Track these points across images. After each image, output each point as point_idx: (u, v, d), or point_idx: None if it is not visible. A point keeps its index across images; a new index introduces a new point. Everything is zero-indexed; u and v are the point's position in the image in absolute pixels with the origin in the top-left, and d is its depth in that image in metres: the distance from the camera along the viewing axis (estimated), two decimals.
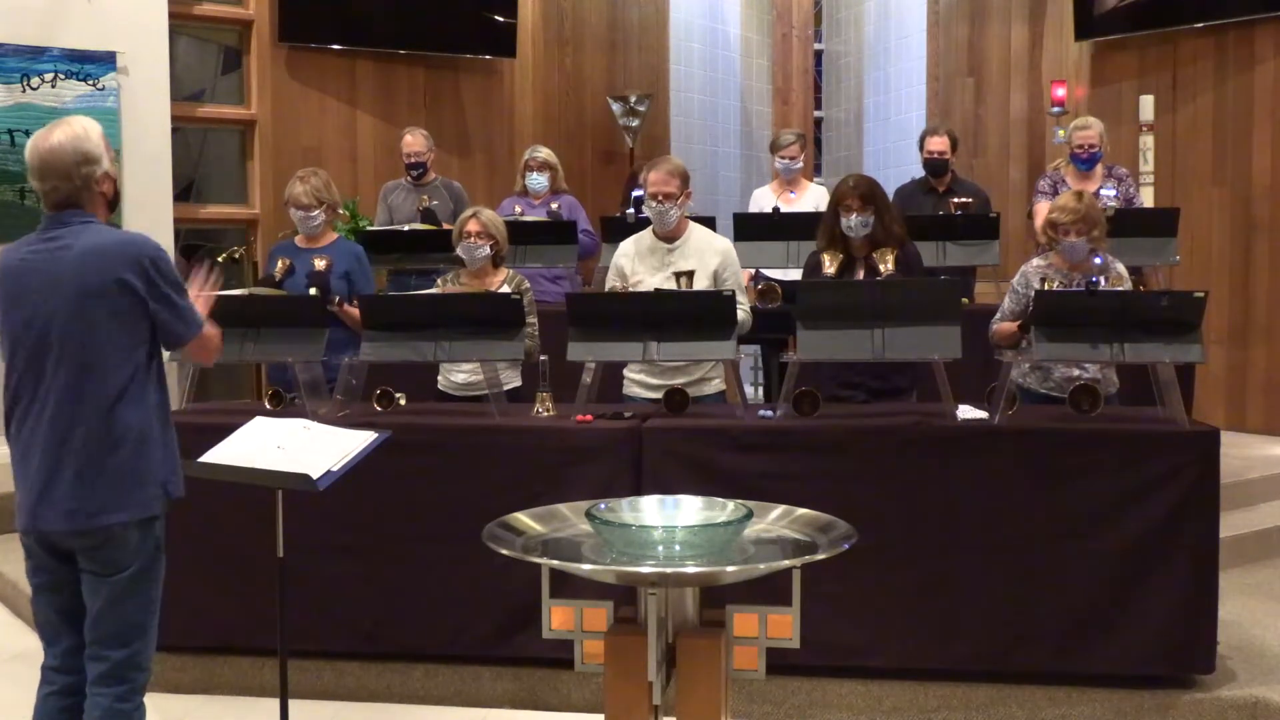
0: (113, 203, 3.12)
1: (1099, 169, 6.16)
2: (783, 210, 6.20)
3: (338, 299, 4.95)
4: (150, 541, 3.01)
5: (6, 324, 3.02)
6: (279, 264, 5.05)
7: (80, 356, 2.91)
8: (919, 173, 6.87)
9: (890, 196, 6.19)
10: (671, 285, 4.54)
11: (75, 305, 2.90)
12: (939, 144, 6.63)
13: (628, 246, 4.87)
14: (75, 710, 3.02)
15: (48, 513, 2.94)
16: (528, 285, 4.93)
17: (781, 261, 5.90)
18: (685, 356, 4.43)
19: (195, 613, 4.21)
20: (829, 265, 4.48)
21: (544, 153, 6.71)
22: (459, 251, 4.94)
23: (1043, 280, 4.47)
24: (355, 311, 4.86)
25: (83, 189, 2.99)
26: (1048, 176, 6.35)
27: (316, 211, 5.12)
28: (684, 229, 4.78)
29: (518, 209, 6.50)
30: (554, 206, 6.53)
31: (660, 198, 4.67)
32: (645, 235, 4.86)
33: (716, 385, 4.74)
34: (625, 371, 4.83)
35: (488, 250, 4.89)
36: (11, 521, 5.89)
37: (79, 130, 3.01)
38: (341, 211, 5.55)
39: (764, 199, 6.74)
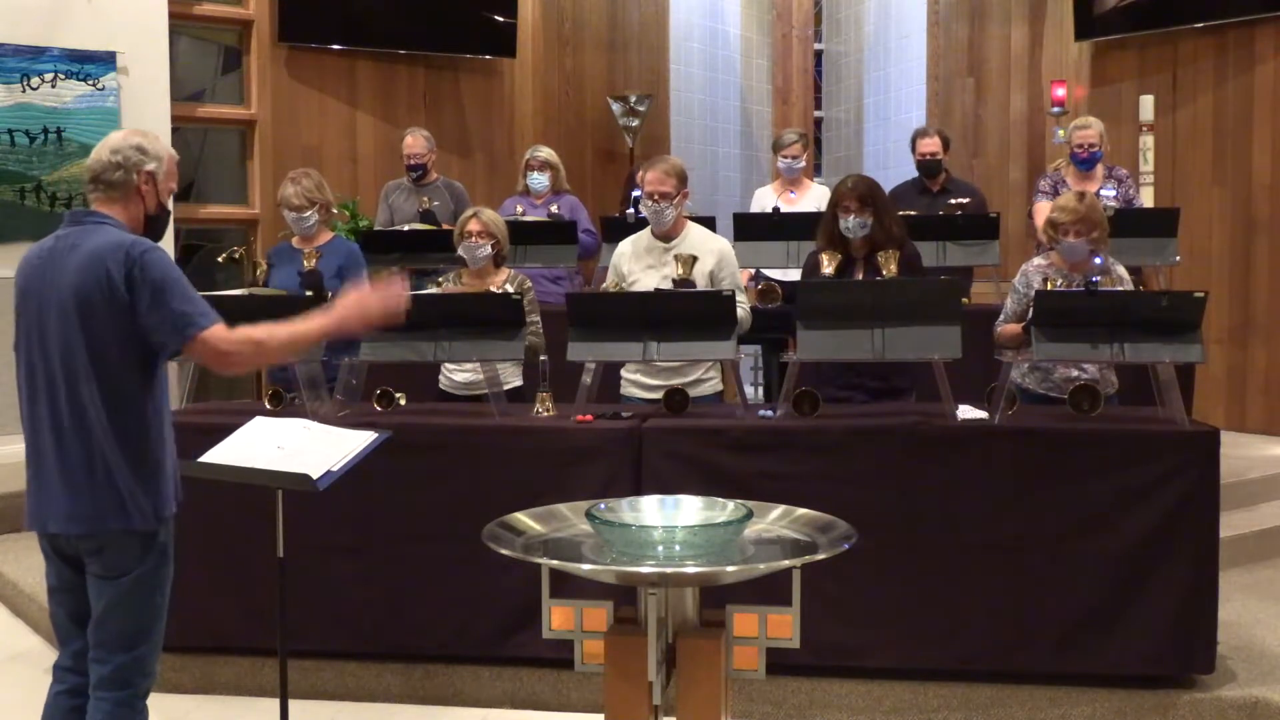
0: (154, 218, 3.07)
1: (1099, 169, 6.16)
2: (784, 210, 6.20)
3: (331, 297, 4.89)
4: (155, 547, 2.97)
5: (19, 326, 3.02)
6: (258, 269, 5.03)
7: (74, 363, 2.88)
8: (916, 174, 6.88)
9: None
10: (668, 285, 4.55)
11: (69, 311, 2.88)
12: (930, 145, 6.65)
13: (625, 246, 4.88)
14: (84, 710, 3.00)
15: (50, 516, 2.93)
16: (529, 284, 4.93)
17: (781, 261, 5.91)
18: (685, 357, 4.43)
19: (195, 613, 4.21)
20: (827, 265, 4.49)
21: (545, 152, 6.70)
22: (460, 251, 4.93)
23: (1044, 280, 4.47)
24: None
25: (122, 167, 2.98)
26: (1048, 177, 6.35)
27: (309, 212, 5.11)
28: (682, 228, 4.78)
29: (519, 209, 6.50)
30: (554, 209, 6.53)
31: (656, 197, 4.67)
32: (643, 235, 4.87)
33: (712, 386, 4.74)
34: (622, 372, 4.84)
35: (489, 250, 4.89)
36: (11, 521, 5.94)
37: (149, 134, 3.11)
38: (337, 211, 5.52)
39: (765, 198, 6.74)
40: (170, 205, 3.14)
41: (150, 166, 3.03)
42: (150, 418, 2.96)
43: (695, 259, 4.55)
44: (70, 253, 2.91)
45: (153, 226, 3.09)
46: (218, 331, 2.91)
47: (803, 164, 6.71)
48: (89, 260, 2.88)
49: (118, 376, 2.90)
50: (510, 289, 4.83)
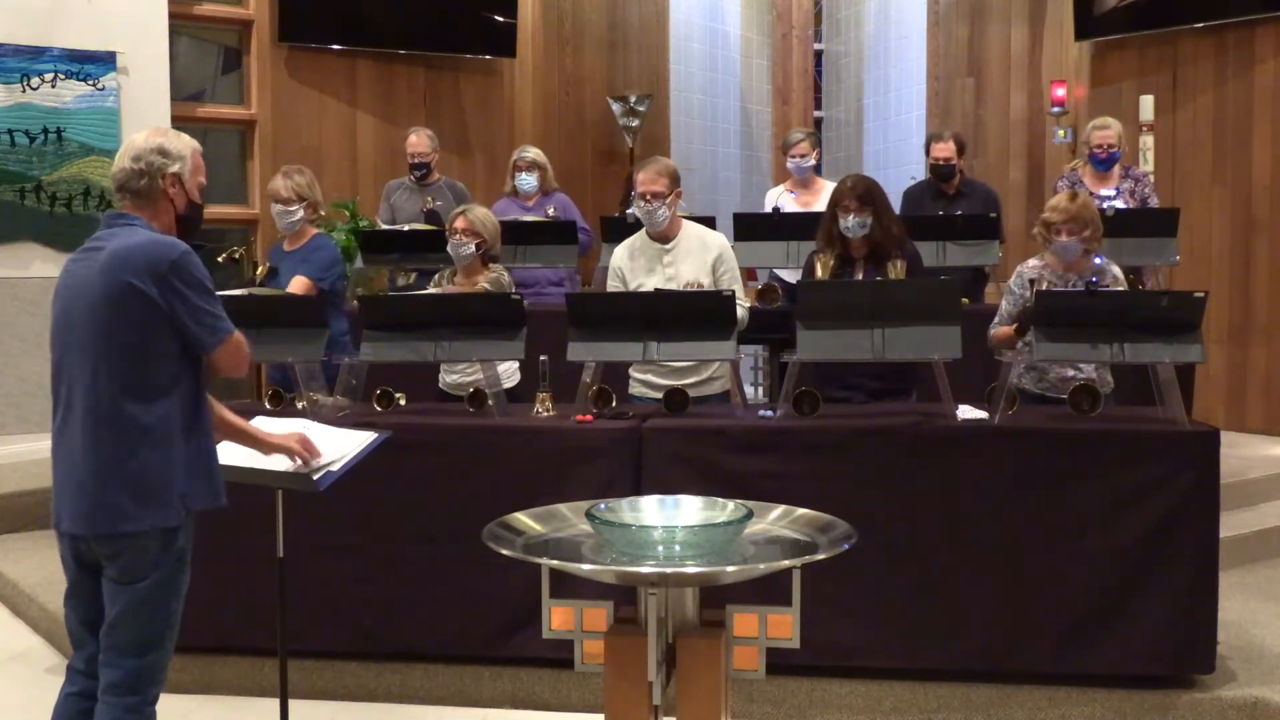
0: (185, 219, 3.07)
1: (1116, 169, 6.17)
2: (794, 209, 6.19)
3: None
4: (171, 553, 2.95)
5: (51, 328, 3.04)
6: (259, 269, 5.06)
7: (98, 362, 2.88)
8: (919, 173, 6.85)
9: (899, 199, 6.18)
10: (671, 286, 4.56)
11: (95, 310, 2.88)
12: (944, 150, 6.60)
13: (622, 251, 4.86)
14: (93, 713, 3.00)
15: (70, 515, 2.93)
16: (508, 280, 4.90)
17: (781, 261, 5.90)
18: (685, 357, 4.43)
19: (195, 613, 4.16)
20: (820, 273, 4.52)
21: (532, 153, 6.69)
22: (449, 249, 4.93)
23: (1033, 282, 4.47)
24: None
25: (145, 174, 2.98)
26: (1065, 177, 6.34)
27: (295, 207, 5.11)
28: (677, 228, 4.76)
29: (511, 213, 6.47)
30: (550, 211, 6.51)
31: (649, 197, 4.66)
32: (639, 236, 4.85)
33: (722, 384, 4.72)
34: (631, 371, 4.82)
35: (473, 249, 4.86)
36: (12, 522, 5.94)
37: (169, 132, 3.10)
38: (324, 212, 5.52)
39: (777, 198, 6.68)
40: (201, 200, 3.12)
41: (174, 168, 3.02)
42: (174, 420, 2.93)
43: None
44: (97, 255, 2.92)
45: (185, 226, 3.09)
46: (239, 334, 3.03)
47: (811, 162, 6.63)
48: (114, 261, 2.88)
49: (139, 378, 2.89)
50: (487, 288, 4.80)
